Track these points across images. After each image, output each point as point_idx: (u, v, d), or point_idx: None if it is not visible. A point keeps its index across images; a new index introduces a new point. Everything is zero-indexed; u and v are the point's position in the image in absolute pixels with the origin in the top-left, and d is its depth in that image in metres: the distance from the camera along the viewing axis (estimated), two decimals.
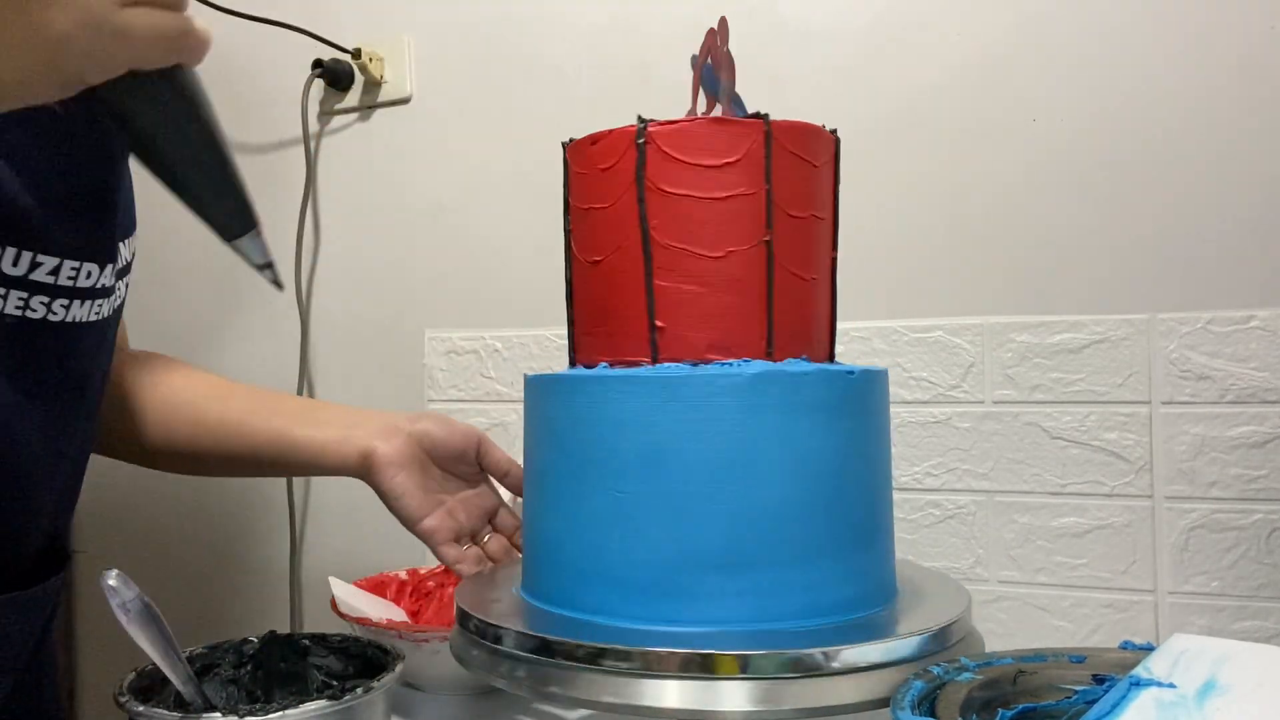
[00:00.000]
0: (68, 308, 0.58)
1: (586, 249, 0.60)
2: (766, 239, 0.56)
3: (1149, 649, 0.48)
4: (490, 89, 1.01)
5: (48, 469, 0.62)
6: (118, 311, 0.65)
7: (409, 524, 0.73)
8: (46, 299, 0.57)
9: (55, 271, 0.57)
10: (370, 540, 1.05)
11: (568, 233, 0.62)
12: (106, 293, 0.62)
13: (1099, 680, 0.48)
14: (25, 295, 0.55)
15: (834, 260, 0.63)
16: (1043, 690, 0.49)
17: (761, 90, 0.92)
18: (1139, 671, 0.45)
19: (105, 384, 0.66)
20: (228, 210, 0.47)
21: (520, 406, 0.99)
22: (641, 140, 0.56)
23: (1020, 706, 0.47)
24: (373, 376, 1.06)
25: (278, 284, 0.50)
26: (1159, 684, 0.44)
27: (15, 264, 0.54)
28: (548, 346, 0.98)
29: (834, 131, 0.61)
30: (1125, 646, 0.50)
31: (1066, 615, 0.81)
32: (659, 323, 0.56)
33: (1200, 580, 0.78)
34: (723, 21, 0.61)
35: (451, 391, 1.02)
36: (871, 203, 0.85)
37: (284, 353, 1.08)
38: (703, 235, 0.56)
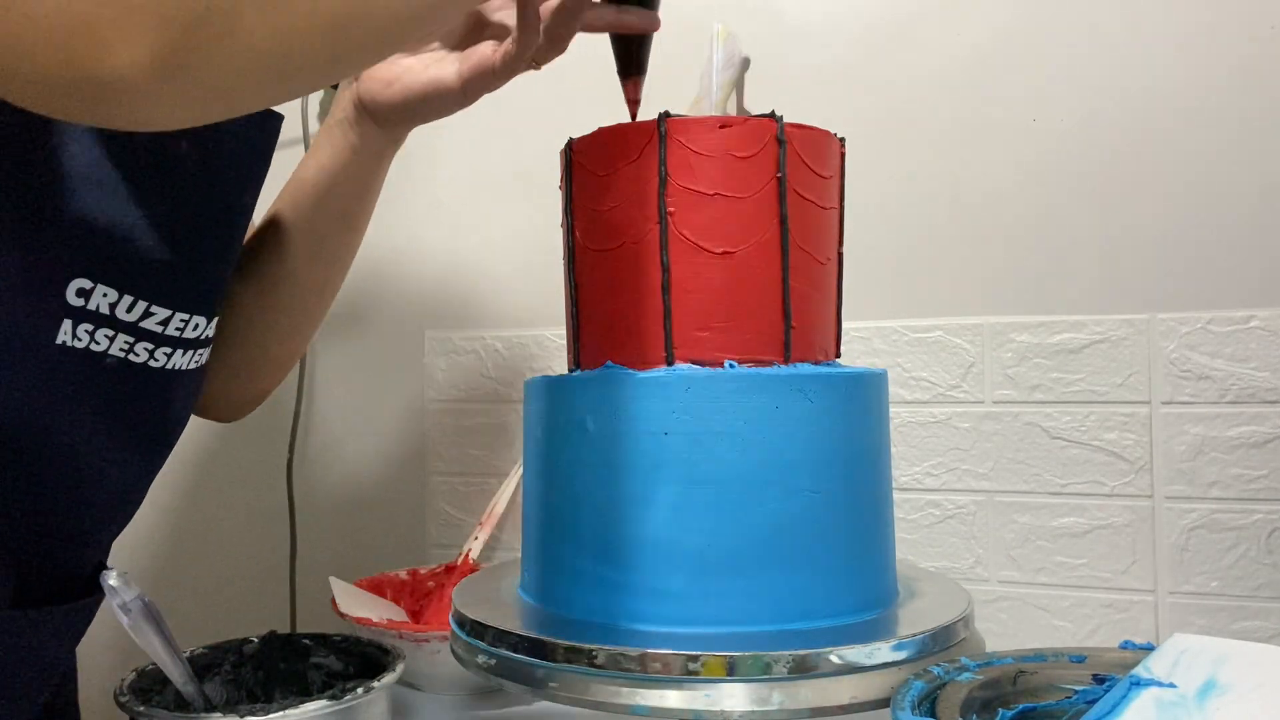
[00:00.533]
0: (170, 355, 0.58)
1: (600, 241, 0.59)
2: (784, 239, 0.56)
3: (1149, 649, 0.48)
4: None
5: (122, 509, 0.62)
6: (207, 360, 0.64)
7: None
8: (151, 346, 0.56)
9: (165, 322, 0.56)
10: (370, 540, 1.05)
11: (570, 229, 0.62)
12: (208, 343, 0.61)
13: (1099, 680, 0.48)
14: (132, 340, 0.55)
15: (840, 260, 0.63)
16: (1043, 690, 0.49)
17: (762, 89, 0.92)
18: (1139, 671, 0.45)
19: (182, 429, 0.65)
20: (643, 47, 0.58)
21: (520, 406, 0.99)
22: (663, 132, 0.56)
23: (1020, 706, 0.47)
24: (373, 376, 1.06)
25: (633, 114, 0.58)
26: (1159, 684, 0.44)
27: (129, 310, 0.54)
28: (548, 346, 0.98)
29: (842, 140, 0.62)
30: (1125, 646, 0.50)
31: (1066, 615, 0.81)
32: (675, 323, 0.56)
33: (1200, 580, 0.78)
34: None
35: (451, 391, 1.02)
36: (871, 202, 0.85)
37: None
38: (719, 232, 0.56)
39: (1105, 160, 0.81)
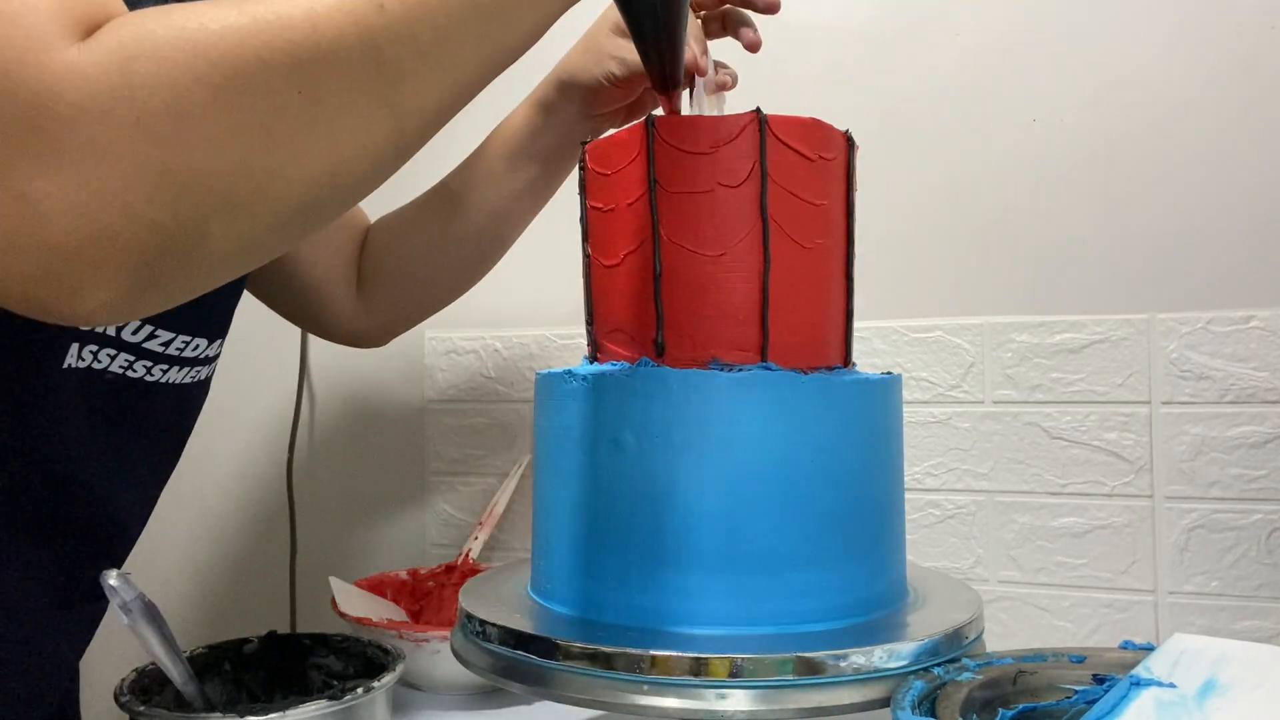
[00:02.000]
0: (166, 371, 0.59)
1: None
2: (849, 243, 0.58)
3: (1149, 649, 0.48)
4: (490, 89, 1.01)
5: (137, 521, 0.64)
6: (213, 374, 0.65)
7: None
8: (149, 363, 0.57)
9: (167, 344, 0.57)
10: (370, 540, 1.05)
11: (654, 220, 0.60)
12: (209, 361, 0.62)
13: (1099, 680, 0.48)
14: (131, 359, 0.56)
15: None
16: (1043, 690, 0.49)
17: (762, 90, 0.92)
18: (1139, 671, 0.45)
19: (182, 437, 0.66)
20: (671, 65, 0.54)
21: (521, 407, 0.99)
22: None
23: (1020, 706, 0.47)
24: (373, 376, 1.06)
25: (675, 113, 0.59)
26: (1159, 684, 0.44)
27: (135, 333, 0.55)
28: (548, 346, 0.98)
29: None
30: (1125, 646, 0.50)
31: (1066, 615, 0.81)
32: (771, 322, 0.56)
33: (1200, 580, 0.78)
34: None
35: (451, 391, 1.02)
36: (871, 202, 0.85)
37: (284, 353, 1.08)
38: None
39: (1105, 160, 0.81)
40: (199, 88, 0.32)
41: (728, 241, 0.56)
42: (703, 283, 0.56)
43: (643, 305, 0.58)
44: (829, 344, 0.59)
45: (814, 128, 0.57)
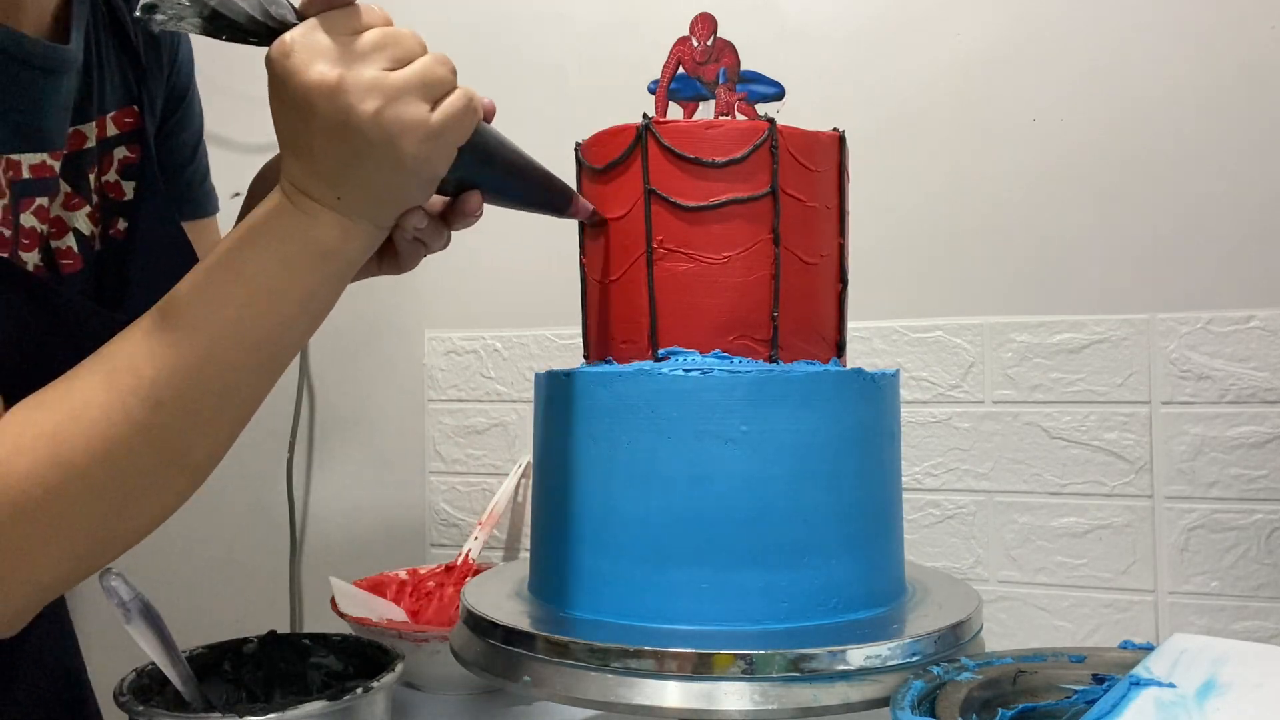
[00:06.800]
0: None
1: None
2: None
3: (1149, 649, 0.48)
4: (489, 89, 1.01)
5: None
6: None
7: None
8: None
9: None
10: (370, 540, 1.05)
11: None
12: None
13: (1099, 680, 0.48)
14: None
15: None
16: (1043, 690, 0.49)
17: None
18: (1139, 671, 0.45)
19: None
20: (552, 198, 0.57)
21: (520, 407, 0.99)
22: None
23: (1020, 706, 0.47)
24: (373, 376, 1.06)
25: (603, 222, 0.59)
26: (1159, 684, 0.44)
27: None
28: (548, 346, 0.98)
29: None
30: (1125, 646, 0.50)
31: (1066, 615, 0.81)
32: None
33: (1200, 580, 0.77)
34: (697, 20, 0.62)
35: (451, 391, 1.02)
36: (871, 203, 0.85)
37: None
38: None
39: (1105, 160, 0.81)
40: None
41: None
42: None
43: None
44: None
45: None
